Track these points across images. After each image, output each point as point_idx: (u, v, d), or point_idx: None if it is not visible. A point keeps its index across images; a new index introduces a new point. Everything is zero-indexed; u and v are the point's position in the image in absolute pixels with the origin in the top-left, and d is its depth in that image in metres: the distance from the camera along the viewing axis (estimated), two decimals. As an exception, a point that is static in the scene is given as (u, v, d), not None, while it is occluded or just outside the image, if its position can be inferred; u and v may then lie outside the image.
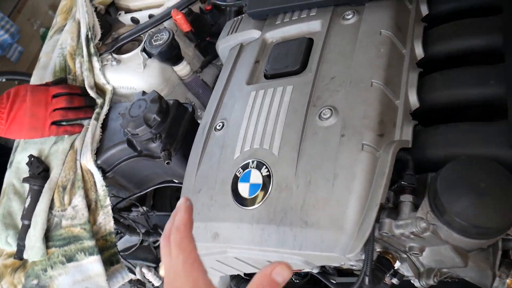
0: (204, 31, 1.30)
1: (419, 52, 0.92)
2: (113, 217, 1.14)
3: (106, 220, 1.12)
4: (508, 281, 0.72)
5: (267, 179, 0.80)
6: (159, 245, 1.24)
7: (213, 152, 0.93)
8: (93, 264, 1.09)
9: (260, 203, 0.79)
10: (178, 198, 1.68)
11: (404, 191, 0.76)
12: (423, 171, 0.81)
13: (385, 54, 0.84)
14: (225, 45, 1.14)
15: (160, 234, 1.38)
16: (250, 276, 1.11)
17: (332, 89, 0.84)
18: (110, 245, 1.14)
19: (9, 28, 2.79)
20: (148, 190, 1.21)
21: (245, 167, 0.84)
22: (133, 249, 1.40)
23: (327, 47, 0.92)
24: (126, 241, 1.48)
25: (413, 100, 0.86)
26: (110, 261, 1.14)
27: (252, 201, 0.80)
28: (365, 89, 0.80)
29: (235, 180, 0.84)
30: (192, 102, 1.30)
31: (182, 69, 1.23)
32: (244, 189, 0.82)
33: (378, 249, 0.80)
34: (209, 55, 1.35)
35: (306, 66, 0.92)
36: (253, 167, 0.83)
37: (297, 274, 1.02)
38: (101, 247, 1.12)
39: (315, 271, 0.90)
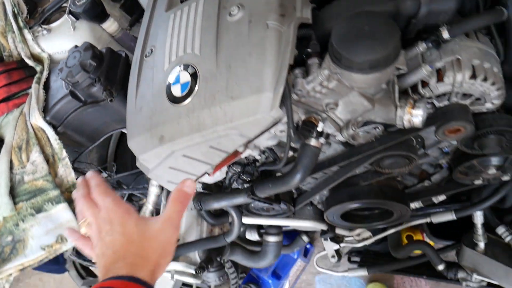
0: (125, -11, 1.39)
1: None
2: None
3: (66, 172, 1.19)
4: (407, 108, 0.85)
5: (194, 76, 0.91)
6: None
7: (147, 74, 1.03)
8: (62, 212, 1.17)
9: (192, 95, 0.90)
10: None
11: (311, 57, 0.88)
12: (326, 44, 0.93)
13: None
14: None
15: (123, 189, 1.46)
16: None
17: (237, -8, 0.95)
18: (76, 197, 1.22)
19: None
20: (101, 139, 1.29)
21: (174, 72, 0.94)
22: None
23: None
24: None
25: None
26: (79, 212, 1.21)
27: (185, 97, 0.91)
28: (263, -18, 0.92)
29: (168, 86, 0.94)
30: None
31: (110, 25, 1.31)
32: (177, 90, 0.92)
33: (302, 116, 0.92)
34: (135, 13, 1.44)
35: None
36: (181, 70, 0.93)
37: (246, 172, 1.12)
38: (68, 199, 1.19)
39: (255, 153, 1.01)
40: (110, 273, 0.63)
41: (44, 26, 1.32)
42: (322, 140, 0.93)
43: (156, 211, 1.41)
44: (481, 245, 1.33)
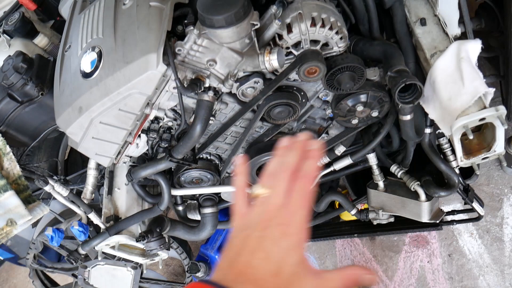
0: (52, 12, 1.63)
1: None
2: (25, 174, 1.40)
3: (12, 165, 1.38)
4: (265, 54, 1.09)
5: (99, 53, 1.13)
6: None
7: (66, 64, 1.25)
8: (9, 198, 1.34)
9: (99, 69, 1.12)
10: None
11: (187, 26, 1.12)
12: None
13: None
14: (64, 6, 1.47)
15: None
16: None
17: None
18: (23, 188, 1.40)
19: None
20: (42, 135, 1.48)
21: (85, 54, 1.17)
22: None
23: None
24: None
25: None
26: (27, 201, 1.39)
27: (94, 71, 1.13)
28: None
29: (81, 66, 1.16)
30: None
31: (41, 40, 1.54)
32: (87, 67, 1.15)
33: (191, 76, 1.15)
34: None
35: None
36: (90, 51, 1.16)
37: (163, 140, 1.33)
38: (16, 191, 1.37)
39: (160, 114, 1.23)
40: (233, 284, 0.53)
41: (-19, 48, 1.54)
42: (211, 93, 1.15)
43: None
44: (381, 184, 1.55)
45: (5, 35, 1.50)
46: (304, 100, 1.32)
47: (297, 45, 1.16)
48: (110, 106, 1.13)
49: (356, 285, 0.56)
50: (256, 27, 1.09)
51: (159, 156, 1.37)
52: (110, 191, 1.56)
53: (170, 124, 1.30)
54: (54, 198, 1.56)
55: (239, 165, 0.68)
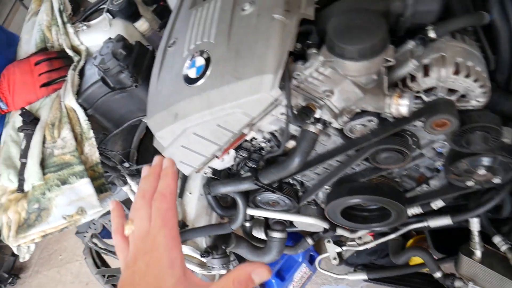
0: (158, -3, 1.56)
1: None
2: (101, 160, 1.35)
3: (91, 151, 1.33)
4: (394, 97, 0.94)
5: (207, 60, 1.03)
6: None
7: (168, 61, 1.16)
8: (85, 185, 1.29)
9: (205, 77, 1.02)
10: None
11: (310, 47, 0.99)
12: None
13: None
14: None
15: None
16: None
17: (251, -10, 1.08)
18: (98, 175, 1.34)
19: None
20: (125, 125, 1.42)
21: (191, 58, 1.07)
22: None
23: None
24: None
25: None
26: (99, 189, 1.34)
27: (199, 78, 1.03)
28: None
29: (185, 69, 1.07)
30: (155, 54, 1.53)
31: (142, 25, 1.47)
32: (192, 72, 1.05)
33: (301, 102, 1.02)
34: (165, 18, 1.59)
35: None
36: (197, 55, 1.06)
37: (251, 159, 1.22)
38: (91, 177, 1.32)
39: (258, 136, 1.11)
40: None
41: (84, 23, 1.49)
42: (319, 126, 1.02)
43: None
44: (478, 253, 1.36)
45: (108, 13, 1.44)
46: (415, 147, 1.16)
47: (428, 90, 1.00)
48: (209, 120, 1.03)
49: (251, 284, 0.53)
50: (390, 64, 0.94)
51: (243, 174, 1.26)
52: (181, 194, 1.48)
53: (263, 144, 1.19)
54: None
55: (113, 207, 0.68)
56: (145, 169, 0.68)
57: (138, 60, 1.30)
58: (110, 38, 1.32)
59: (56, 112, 1.34)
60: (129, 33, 1.47)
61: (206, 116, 1.02)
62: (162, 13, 1.60)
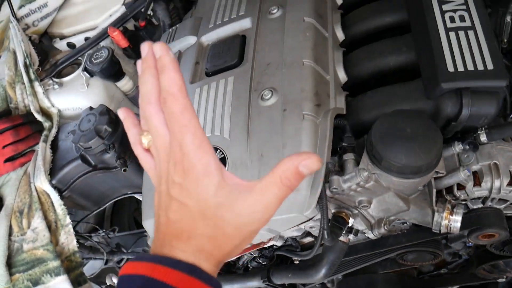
0: (142, 47, 1.36)
1: (340, 35, 1.04)
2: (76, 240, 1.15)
3: (68, 240, 1.12)
4: (445, 214, 0.82)
5: (222, 161, 0.86)
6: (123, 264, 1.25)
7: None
8: (61, 284, 1.08)
9: (220, 183, 0.85)
10: (135, 215, 1.68)
11: (346, 151, 0.85)
12: (360, 135, 0.91)
13: (311, 37, 0.94)
14: (164, 54, 1.20)
15: (123, 252, 1.39)
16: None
17: (269, 74, 0.92)
18: (76, 265, 1.14)
19: None
20: (107, 204, 1.23)
21: (200, 154, 0.89)
22: (97, 271, 1.40)
23: (259, 40, 1.00)
24: (90, 267, 1.47)
25: (342, 74, 0.96)
26: (77, 282, 1.13)
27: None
28: (298, 68, 0.89)
29: (193, 168, 0.89)
30: (139, 115, 1.34)
31: (125, 84, 1.27)
32: (202, 174, 0.87)
33: (332, 210, 0.88)
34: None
35: (243, 59, 1.00)
36: (208, 153, 0.88)
37: (263, 256, 1.08)
38: (67, 268, 1.11)
39: (279, 243, 0.96)
40: (166, 250, 0.47)
41: (55, 80, 1.27)
42: (351, 236, 0.89)
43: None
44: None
45: (85, 73, 1.23)
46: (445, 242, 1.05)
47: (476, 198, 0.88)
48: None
49: (300, 178, 0.48)
50: (439, 176, 0.82)
51: (252, 269, 1.11)
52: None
53: (277, 243, 1.03)
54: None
55: (125, 115, 0.61)
56: (138, 64, 0.55)
57: (125, 135, 1.10)
58: (91, 108, 1.12)
59: (24, 196, 1.12)
60: (110, 94, 1.26)
61: (221, 230, 0.85)
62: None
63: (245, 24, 1.07)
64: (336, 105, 0.90)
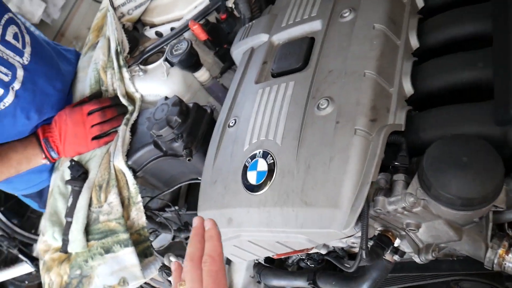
0: (221, 39, 1.40)
1: (415, 43, 0.98)
2: (147, 215, 1.26)
3: (138, 216, 1.23)
4: (500, 251, 0.76)
5: (272, 166, 0.88)
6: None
7: (227, 146, 1.02)
8: (129, 255, 1.20)
9: (266, 188, 0.87)
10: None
11: (397, 171, 0.82)
12: (419, 154, 0.86)
13: (378, 45, 0.91)
14: (238, 50, 1.23)
15: (189, 231, 1.48)
16: (271, 262, 1.18)
17: (330, 81, 0.91)
18: (144, 239, 1.25)
19: (55, 50, 3.02)
20: (175, 187, 1.31)
21: (253, 157, 0.92)
22: (166, 244, 1.52)
23: (326, 44, 0.99)
24: (161, 240, 1.60)
25: (408, 87, 0.91)
26: (144, 253, 1.25)
27: (259, 187, 0.88)
28: (358, 79, 0.87)
29: (245, 169, 0.93)
30: (213, 106, 1.39)
31: (202, 75, 1.33)
32: (252, 177, 0.90)
33: (378, 228, 0.86)
34: (227, 61, 1.44)
35: (308, 63, 0.99)
36: (260, 157, 0.91)
37: (311, 258, 1.09)
38: (135, 241, 1.23)
39: (323, 251, 0.96)
40: None
41: (141, 67, 1.37)
42: (396, 257, 0.86)
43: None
44: None
45: (166, 62, 1.31)
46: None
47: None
48: (267, 236, 0.89)
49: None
50: (499, 209, 0.75)
51: (300, 269, 1.13)
52: (228, 261, 1.37)
53: (322, 251, 1.03)
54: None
55: (175, 267, 0.74)
56: (194, 221, 0.75)
57: (193, 127, 1.17)
58: (166, 98, 1.20)
59: (104, 172, 1.25)
60: (188, 83, 1.34)
61: (264, 232, 0.88)
62: (224, 56, 1.45)
63: (315, 26, 1.05)
64: (394, 121, 0.86)
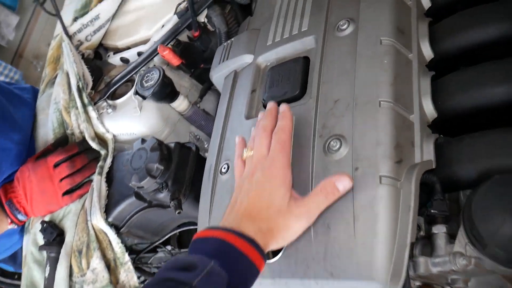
0: (197, 60, 1.23)
1: (428, 52, 0.83)
2: (137, 267, 1.11)
3: (128, 277, 1.07)
4: None
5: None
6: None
7: (222, 197, 0.86)
8: (124, 325, 1.05)
9: (279, 255, 0.72)
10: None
11: (435, 221, 0.67)
12: (453, 189, 0.73)
13: (390, 65, 0.75)
14: (218, 74, 1.07)
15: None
16: None
17: (338, 115, 0.76)
18: (139, 299, 1.10)
19: (13, 75, 2.79)
20: (166, 237, 1.16)
21: (256, 215, 0.77)
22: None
23: (326, 65, 0.83)
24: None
25: (429, 110, 0.77)
26: (141, 313, 1.09)
27: (270, 254, 0.73)
28: (373, 110, 0.72)
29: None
30: (197, 135, 1.23)
31: (180, 104, 1.16)
32: (259, 241, 0.75)
33: (417, 283, 0.72)
34: (206, 81, 1.28)
35: (306, 90, 0.84)
36: (265, 215, 0.76)
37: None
38: (129, 306, 1.07)
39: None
40: (235, 224, 0.65)
41: (109, 102, 1.20)
42: (440, 315, 0.72)
43: None
44: None
45: (137, 96, 1.14)
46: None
47: None
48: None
49: (336, 191, 0.66)
50: None
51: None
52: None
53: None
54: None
55: (239, 140, 0.83)
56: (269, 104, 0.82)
57: (179, 172, 1.01)
58: (142, 141, 1.03)
59: (82, 234, 1.08)
60: (165, 116, 1.17)
61: (282, 306, 0.73)
62: (202, 76, 1.28)
63: (308, 43, 0.89)
64: (422, 157, 0.71)
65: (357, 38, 0.81)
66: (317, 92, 0.80)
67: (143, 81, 1.11)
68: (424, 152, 0.72)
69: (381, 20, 0.80)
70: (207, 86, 1.28)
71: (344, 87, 0.77)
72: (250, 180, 0.70)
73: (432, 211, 0.68)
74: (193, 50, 1.22)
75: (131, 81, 1.24)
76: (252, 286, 0.73)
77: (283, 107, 0.78)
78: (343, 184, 0.65)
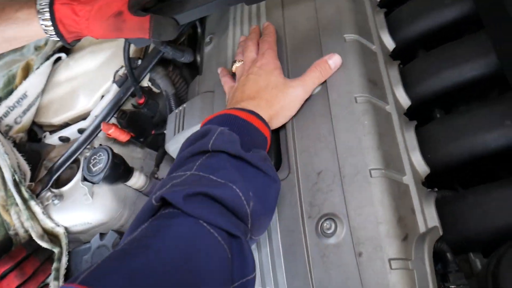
0: (147, 127, 1.12)
1: (405, 100, 0.77)
2: None
3: None
4: None
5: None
6: None
7: None
8: None
9: None
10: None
11: (456, 299, 0.60)
12: (462, 253, 0.66)
13: (371, 126, 0.68)
14: (175, 147, 0.95)
15: None
16: None
17: (325, 190, 0.67)
18: None
19: None
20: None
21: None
22: None
23: (298, 131, 0.74)
24: None
25: (421, 166, 0.70)
26: None
27: None
28: (365, 182, 0.64)
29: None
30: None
31: (136, 181, 1.04)
32: None
33: None
34: (160, 147, 1.16)
35: (281, 162, 0.75)
36: (264, 319, 0.65)
37: None
38: None
39: None
40: (237, 105, 0.72)
41: (54, 191, 1.05)
42: None
43: None
44: None
45: (85, 182, 1.00)
46: None
47: None
48: None
49: (329, 68, 0.72)
50: None
51: None
52: None
53: None
54: None
55: (222, 68, 0.91)
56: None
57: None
58: (101, 236, 0.90)
59: None
60: (121, 197, 1.04)
61: None
62: (156, 143, 1.17)
63: (272, 104, 0.81)
64: (426, 223, 0.64)
65: (328, 97, 0.73)
66: (296, 165, 0.72)
67: (90, 165, 0.98)
68: (427, 217, 0.65)
69: (351, 74, 0.73)
70: (162, 152, 1.16)
71: (325, 155, 0.69)
72: (245, 76, 0.77)
73: (450, 287, 0.60)
74: (141, 118, 1.10)
75: (76, 161, 1.10)
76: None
77: (266, 23, 0.87)
78: (333, 60, 0.72)
